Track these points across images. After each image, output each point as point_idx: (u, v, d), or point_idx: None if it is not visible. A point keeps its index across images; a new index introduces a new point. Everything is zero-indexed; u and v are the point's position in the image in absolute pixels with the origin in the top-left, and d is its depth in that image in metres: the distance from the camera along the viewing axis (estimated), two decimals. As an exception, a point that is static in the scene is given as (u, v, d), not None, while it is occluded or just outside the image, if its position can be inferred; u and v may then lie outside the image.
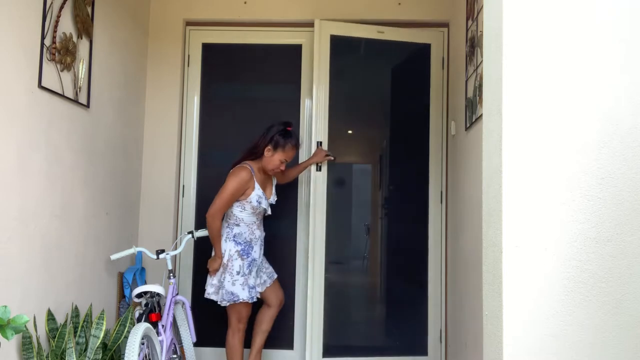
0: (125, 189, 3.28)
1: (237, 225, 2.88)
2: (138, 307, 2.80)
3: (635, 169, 1.36)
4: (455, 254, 3.22)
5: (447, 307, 3.43)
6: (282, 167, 2.93)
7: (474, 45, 2.75)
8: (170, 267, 2.91)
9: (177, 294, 2.95)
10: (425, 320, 3.48)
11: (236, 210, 2.87)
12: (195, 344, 3.13)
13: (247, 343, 3.04)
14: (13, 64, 2.14)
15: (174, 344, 2.95)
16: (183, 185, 3.62)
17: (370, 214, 3.81)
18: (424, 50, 3.59)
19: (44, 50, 2.33)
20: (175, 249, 2.99)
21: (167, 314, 2.80)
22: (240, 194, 2.83)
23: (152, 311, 2.72)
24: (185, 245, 3.35)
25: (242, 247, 2.87)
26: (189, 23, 3.67)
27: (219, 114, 3.67)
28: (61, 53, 2.47)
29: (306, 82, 3.62)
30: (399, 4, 3.57)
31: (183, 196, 3.62)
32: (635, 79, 1.38)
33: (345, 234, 3.72)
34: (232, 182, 2.80)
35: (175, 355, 2.93)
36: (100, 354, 2.42)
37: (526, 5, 1.40)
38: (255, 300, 2.89)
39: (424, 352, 3.47)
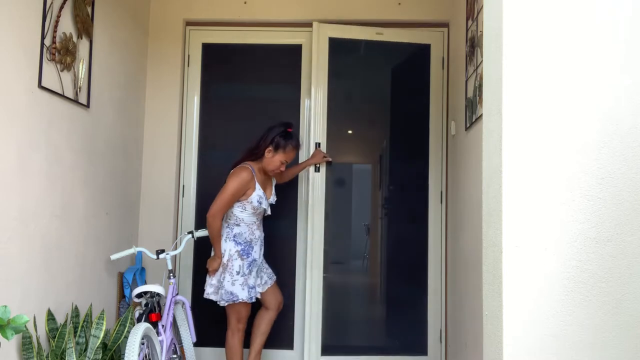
0: (125, 189, 3.28)
1: (237, 225, 2.88)
2: (138, 307, 2.80)
3: (635, 169, 1.36)
4: (455, 254, 3.22)
5: (447, 307, 3.43)
6: (283, 168, 2.95)
7: (474, 45, 2.75)
8: (170, 267, 2.91)
9: (177, 294, 2.95)
10: (425, 320, 3.48)
11: (237, 210, 2.87)
12: (195, 344, 3.13)
13: (247, 343, 3.04)
14: (13, 64, 2.14)
15: (174, 344, 2.95)
16: (183, 185, 3.62)
17: (370, 214, 3.81)
18: (423, 50, 3.60)
19: (44, 50, 2.33)
20: (175, 249, 2.99)
21: (167, 314, 2.80)
22: (241, 194, 2.83)
23: (152, 311, 2.72)
24: (185, 245, 3.35)
25: (242, 247, 2.87)
26: (189, 23, 3.67)
27: (219, 114, 3.67)
28: (61, 53, 2.47)
29: (306, 82, 3.62)
30: (399, 4, 3.57)
31: (183, 196, 3.62)
32: (635, 79, 1.38)
33: (345, 234, 3.72)
34: (233, 182, 2.80)
35: (175, 355, 2.93)
36: (100, 354, 2.42)
37: (526, 5, 1.40)
38: (254, 300, 2.89)
39: (424, 352, 3.47)
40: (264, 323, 3.06)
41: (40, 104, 2.33)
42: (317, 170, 3.46)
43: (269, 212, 3.02)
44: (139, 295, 2.77)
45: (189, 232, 3.06)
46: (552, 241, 1.36)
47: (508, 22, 1.40)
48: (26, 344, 2.18)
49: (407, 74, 3.69)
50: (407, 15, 3.57)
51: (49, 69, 2.39)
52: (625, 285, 1.35)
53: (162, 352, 2.66)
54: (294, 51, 3.65)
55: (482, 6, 2.47)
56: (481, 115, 2.47)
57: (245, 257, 2.86)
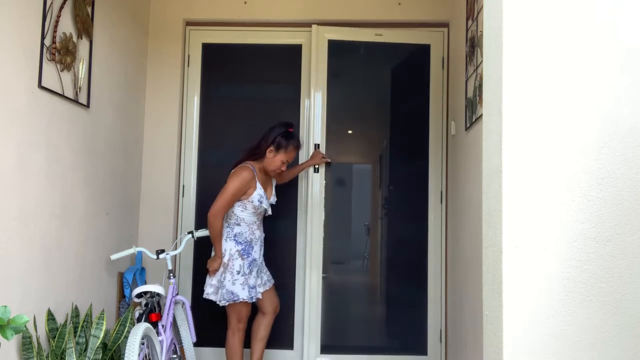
0: (125, 189, 3.28)
1: (238, 225, 2.89)
2: (138, 307, 2.80)
3: (635, 169, 1.36)
4: (455, 254, 3.22)
5: (447, 306, 3.43)
6: (284, 168, 2.97)
7: (474, 45, 2.75)
8: (170, 267, 2.91)
9: (177, 294, 2.95)
10: (425, 320, 3.48)
11: (237, 209, 2.87)
12: (195, 344, 3.13)
13: (247, 343, 3.04)
14: (13, 64, 2.14)
15: (174, 344, 2.95)
16: (183, 185, 3.62)
17: (370, 214, 3.81)
18: (423, 50, 3.60)
19: (44, 50, 2.33)
20: (175, 249, 2.99)
21: (167, 314, 2.80)
22: (242, 194, 2.84)
23: (152, 311, 2.72)
24: (185, 245, 3.35)
25: (243, 246, 2.87)
26: (189, 23, 3.67)
27: (219, 114, 3.67)
28: (61, 53, 2.47)
29: (306, 82, 3.62)
30: (399, 4, 3.57)
31: (183, 196, 3.62)
32: (635, 79, 1.38)
33: (345, 234, 3.72)
34: (235, 182, 2.81)
35: (175, 355, 2.93)
36: (100, 354, 2.42)
37: (526, 5, 1.40)
38: (255, 300, 2.89)
39: (424, 352, 3.47)
40: (262, 328, 3.06)
41: (40, 104, 2.33)
42: (316, 171, 3.48)
43: (269, 212, 3.02)
44: (139, 295, 2.77)
45: (189, 232, 3.06)
46: (552, 241, 1.36)
47: (508, 22, 1.40)
48: (26, 344, 2.18)
49: (407, 74, 3.69)
50: (407, 15, 3.57)
51: (49, 69, 2.39)
52: (625, 285, 1.35)
53: (162, 352, 2.66)
54: (294, 51, 3.65)
55: (482, 6, 2.47)
56: (481, 115, 2.47)
57: (245, 256, 2.86)
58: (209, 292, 2.87)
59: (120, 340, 2.58)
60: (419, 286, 3.51)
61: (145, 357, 2.55)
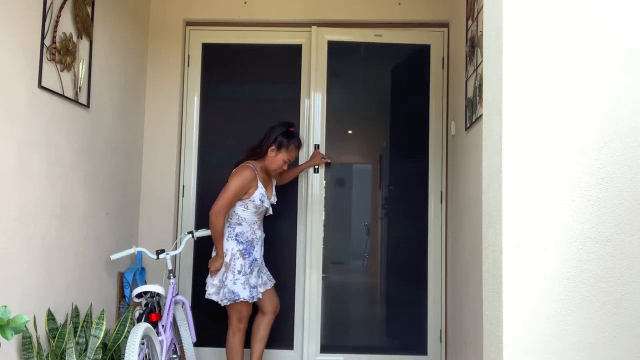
0: (125, 189, 3.28)
1: (239, 224, 2.89)
2: (138, 307, 2.80)
3: (635, 169, 1.36)
4: (455, 254, 3.22)
5: (447, 306, 3.43)
6: (285, 167, 2.98)
7: (474, 45, 2.75)
8: (170, 267, 2.91)
9: (177, 294, 2.95)
10: (425, 320, 3.48)
11: (239, 209, 2.87)
12: (195, 344, 3.13)
13: (248, 343, 3.04)
14: (13, 64, 2.14)
15: (174, 344, 2.95)
16: (183, 185, 3.62)
17: (370, 214, 3.81)
18: (423, 50, 3.60)
19: (44, 50, 2.33)
20: (175, 249, 2.99)
21: (167, 314, 2.80)
22: (243, 193, 2.84)
23: (152, 311, 2.72)
24: (185, 245, 3.35)
25: (244, 246, 2.87)
26: (189, 23, 3.67)
27: (219, 114, 3.67)
28: (61, 53, 2.47)
29: (306, 82, 3.62)
30: (399, 4, 3.57)
31: (183, 196, 3.62)
32: (635, 79, 1.38)
33: (345, 234, 3.72)
34: (236, 181, 2.81)
35: (175, 355, 2.93)
36: (100, 354, 2.42)
37: (526, 5, 1.40)
38: (255, 300, 2.89)
39: (424, 352, 3.47)
40: (262, 328, 3.06)
41: (40, 104, 2.33)
42: (316, 171, 3.48)
43: (270, 211, 3.03)
44: (139, 295, 2.77)
45: (189, 232, 3.06)
46: (552, 241, 1.36)
47: (508, 22, 1.40)
48: (26, 344, 2.18)
49: (407, 74, 3.69)
50: (407, 15, 3.57)
51: (49, 69, 2.39)
52: (625, 285, 1.35)
53: (162, 352, 2.66)
54: (294, 51, 3.65)
55: (482, 6, 2.47)
56: (481, 115, 2.47)
57: (247, 256, 2.86)
58: (211, 293, 2.87)
59: (120, 340, 2.58)
60: (419, 286, 3.51)
61: (145, 357, 2.55)
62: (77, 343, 2.41)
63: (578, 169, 1.37)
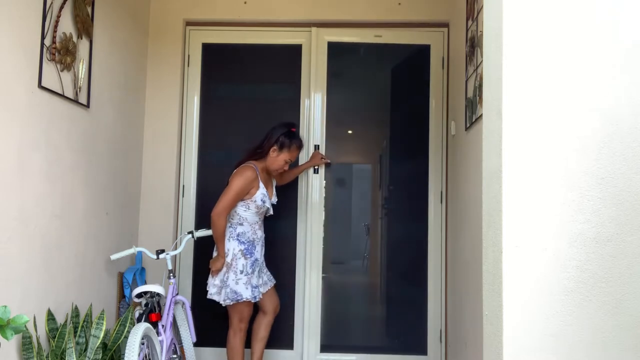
0: (125, 189, 3.28)
1: (241, 224, 2.89)
2: (138, 307, 2.80)
3: (635, 169, 1.36)
4: (455, 254, 3.22)
5: (447, 306, 3.43)
6: (286, 167, 2.99)
7: (474, 45, 2.75)
8: (170, 267, 2.91)
9: (177, 294, 2.95)
10: (425, 320, 3.48)
11: (240, 209, 2.88)
12: (195, 344, 3.13)
13: (248, 343, 3.04)
14: (13, 64, 2.14)
15: (174, 344, 2.95)
16: (183, 185, 3.62)
17: (370, 214, 3.81)
18: (423, 50, 3.60)
19: (44, 50, 2.33)
20: (175, 249, 2.99)
21: (167, 314, 2.80)
22: (245, 193, 2.84)
23: (152, 311, 2.72)
24: (185, 245, 3.35)
25: (246, 246, 2.87)
26: (189, 23, 3.67)
27: (219, 114, 3.67)
28: (61, 53, 2.47)
29: (306, 82, 3.62)
30: (399, 4, 3.57)
31: (183, 196, 3.62)
32: (635, 79, 1.38)
33: (345, 234, 3.73)
34: (238, 181, 2.81)
35: (175, 355, 2.93)
36: (100, 354, 2.42)
37: (526, 5, 1.40)
38: (257, 300, 2.89)
39: (424, 352, 3.47)
40: (262, 328, 3.06)
41: (40, 104, 2.33)
42: (315, 171, 3.49)
43: (271, 211, 3.03)
44: (139, 295, 2.77)
45: (189, 232, 3.06)
46: (552, 241, 1.36)
47: (508, 22, 1.40)
48: (26, 344, 2.18)
49: (407, 75, 3.69)
50: (407, 15, 3.57)
51: (49, 69, 2.39)
52: (625, 285, 1.35)
53: (162, 352, 2.66)
54: (294, 51, 3.65)
55: (482, 6, 2.47)
56: (481, 115, 2.47)
57: (248, 256, 2.86)
58: (212, 293, 2.87)
59: (120, 340, 2.58)
60: (418, 286, 3.51)
61: (145, 357, 2.55)
62: (77, 343, 2.41)
63: (578, 169, 1.37)
